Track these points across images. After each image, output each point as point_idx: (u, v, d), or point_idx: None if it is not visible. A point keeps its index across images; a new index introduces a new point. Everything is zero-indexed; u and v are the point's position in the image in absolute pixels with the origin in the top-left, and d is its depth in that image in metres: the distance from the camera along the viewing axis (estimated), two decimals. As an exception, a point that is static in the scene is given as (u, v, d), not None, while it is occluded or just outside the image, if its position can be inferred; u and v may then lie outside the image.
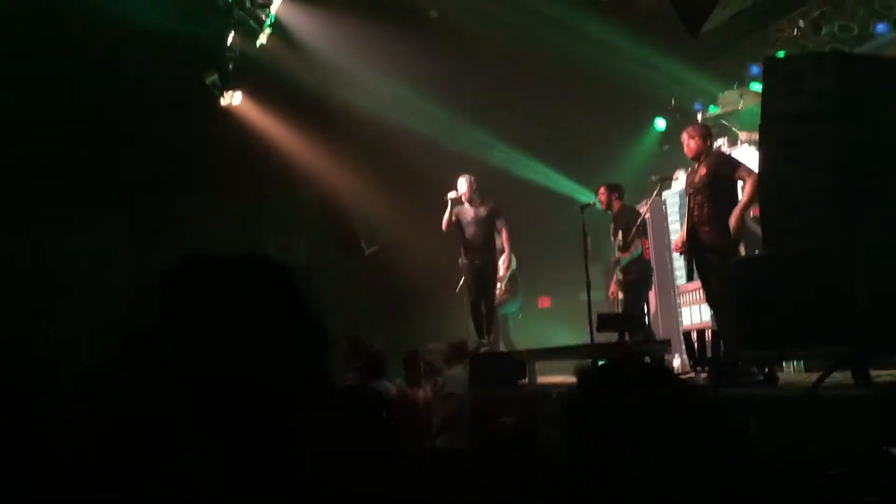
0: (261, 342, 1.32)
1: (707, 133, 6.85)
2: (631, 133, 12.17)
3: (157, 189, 11.05)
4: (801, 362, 6.45)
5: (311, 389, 1.38)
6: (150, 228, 11.01)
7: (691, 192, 6.67)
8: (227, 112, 10.88)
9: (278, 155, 11.35)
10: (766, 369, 5.21)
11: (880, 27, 9.10)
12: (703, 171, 6.60)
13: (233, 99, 10.82)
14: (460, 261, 8.99)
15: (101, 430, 2.01)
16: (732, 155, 6.93)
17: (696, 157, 6.76)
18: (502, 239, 9.01)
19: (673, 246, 7.67)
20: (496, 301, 9.26)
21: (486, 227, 8.81)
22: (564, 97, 11.04)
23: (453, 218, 8.82)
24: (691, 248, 6.56)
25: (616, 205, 8.44)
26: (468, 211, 8.81)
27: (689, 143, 6.74)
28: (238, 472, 1.28)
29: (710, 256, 6.40)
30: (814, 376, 4.64)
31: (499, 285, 9.51)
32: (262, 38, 10.53)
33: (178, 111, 10.24)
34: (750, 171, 6.33)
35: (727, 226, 6.37)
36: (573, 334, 10.44)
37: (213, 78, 10.65)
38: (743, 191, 6.48)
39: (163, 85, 9.85)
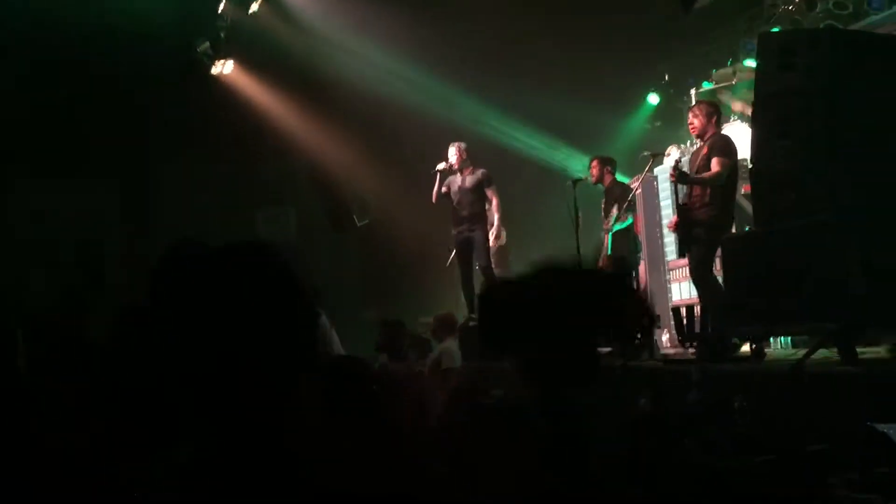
0: (254, 328, 1.32)
1: (711, 112, 6.68)
2: (623, 108, 12.12)
3: (145, 158, 10.97)
4: (788, 339, 6.49)
5: (305, 372, 1.38)
6: (138, 198, 10.95)
7: (693, 171, 6.63)
8: (218, 80, 10.78)
9: (269, 124, 11.27)
10: (753, 345, 5.25)
11: (875, 4, 9.06)
12: (704, 150, 6.52)
13: (224, 67, 10.73)
14: (452, 232, 8.86)
15: (96, 424, 2.00)
16: (729, 137, 6.77)
17: (700, 136, 6.70)
18: (493, 208, 8.79)
19: (668, 224, 7.66)
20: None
21: (475, 195, 8.57)
22: (557, 71, 10.97)
23: (443, 189, 8.69)
24: (683, 225, 6.51)
25: (608, 178, 8.42)
26: (457, 180, 8.64)
27: (692, 121, 6.69)
28: (235, 460, 1.28)
29: (698, 231, 6.36)
30: (800, 353, 4.68)
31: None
32: (255, 6, 10.42)
33: (168, 79, 10.14)
34: (720, 162, 6.28)
35: (724, 209, 6.32)
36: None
37: (205, 46, 10.55)
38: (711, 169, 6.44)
39: (153, 52, 9.74)
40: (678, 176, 6.48)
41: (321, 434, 1.40)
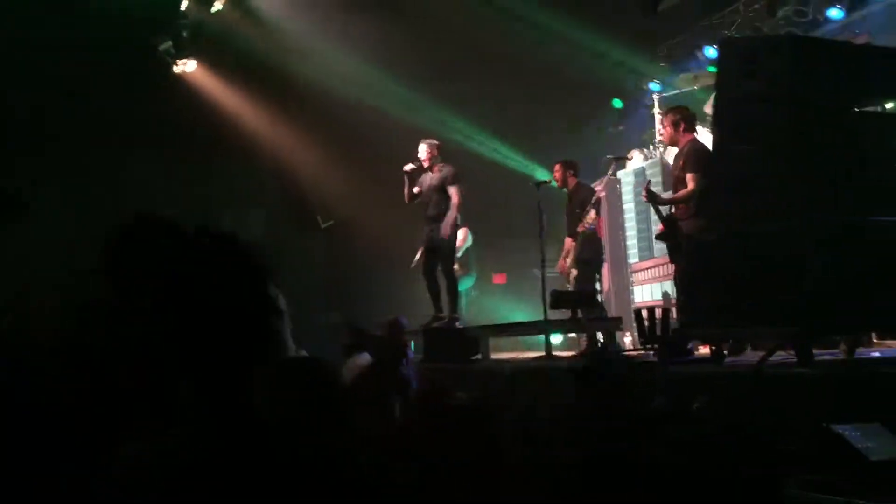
0: (209, 317, 1.31)
1: (677, 120, 6.61)
2: (587, 112, 12.21)
3: (108, 159, 10.80)
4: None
5: (265, 360, 1.37)
6: (100, 201, 10.76)
7: (673, 181, 6.65)
8: (183, 81, 10.67)
9: (233, 125, 11.17)
10: (713, 347, 5.32)
11: (833, 11, 9.24)
12: (681, 161, 6.50)
13: (186, 67, 10.61)
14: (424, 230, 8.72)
15: (53, 412, 1.95)
16: (703, 145, 6.70)
17: (673, 145, 6.71)
18: (451, 205, 8.45)
19: (655, 234, 7.66)
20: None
21: (440, 194, 8.45)
22: (523, 76, 11.03)
23: (416, 188, 8.62)
24: (671, 236, 6.43)
25: (571, 182, 8.46)
26: (426, 178, 8.58)
27: (662, 132, 6.74)
28: (193, 453, 1.27)
29: (687, 243, 6.34)
30: (759, 355, 4.75)
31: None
32: (218, 5, 10.33)
33: (129, 78, 10.00)
34: (693, 178, 6.22)
35: (711, 218, 6.30)
36: (528, 311, 10.51)
37: (167, 45, 10.43)
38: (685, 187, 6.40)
39: (114, 51, 9.60)
40: (649, 196, 6.53)
41: (283, 435, 1.39)
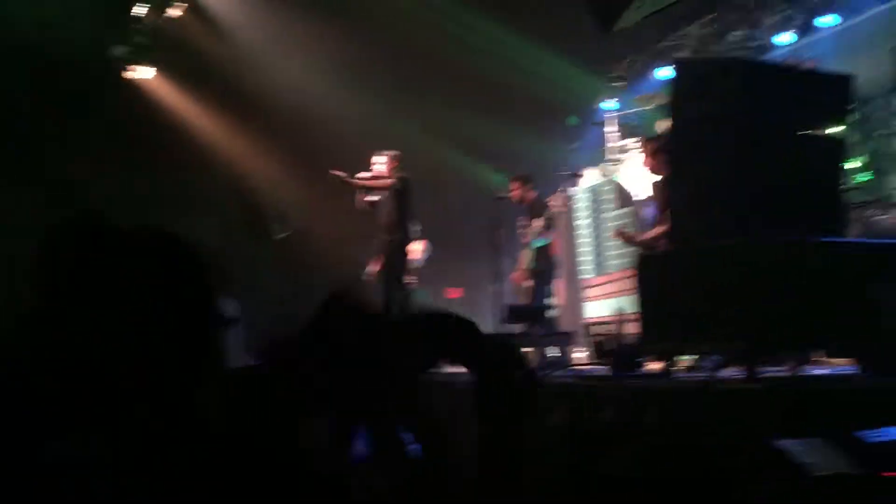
0: (149, 317, 1.27)
1: (657, 149, 6.58)
2: (543, 130, 12.33)
3: (59, 166, 10.60)
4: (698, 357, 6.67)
5: (206, 369, 1.34)
6: (51, 206, 10.55)
7: (658, 212, 6.71)
8: (138, 88, 10.54)
9: (189, 133, 11.05)
10: (665, 362, 5.39)
11: (782, 37, 9.50)
12: (665, 194, 6.51)
13: (142, 73, 10.50)
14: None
15: None
16: None
17: (655, 173, 6.74)
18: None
19: None
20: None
21: (391, 202, 8.48)
22: (481, 91, 11.11)
23: (369, 197, 8.62)
24: None
25: (530, 195, 8.53)
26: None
27: (643, 160, 6.75)
28: (126, 458, 1.23)
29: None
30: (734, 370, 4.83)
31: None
32: (174, 12, 10.25)
33: (83, 84, 9.85)
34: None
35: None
36: (483, 325, 10.49)
37: (122, 51, 10.31)
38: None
39: (68, 57, 9.45)
40: (622, 238, 6.62)
41: (228, 449, 1.36)
